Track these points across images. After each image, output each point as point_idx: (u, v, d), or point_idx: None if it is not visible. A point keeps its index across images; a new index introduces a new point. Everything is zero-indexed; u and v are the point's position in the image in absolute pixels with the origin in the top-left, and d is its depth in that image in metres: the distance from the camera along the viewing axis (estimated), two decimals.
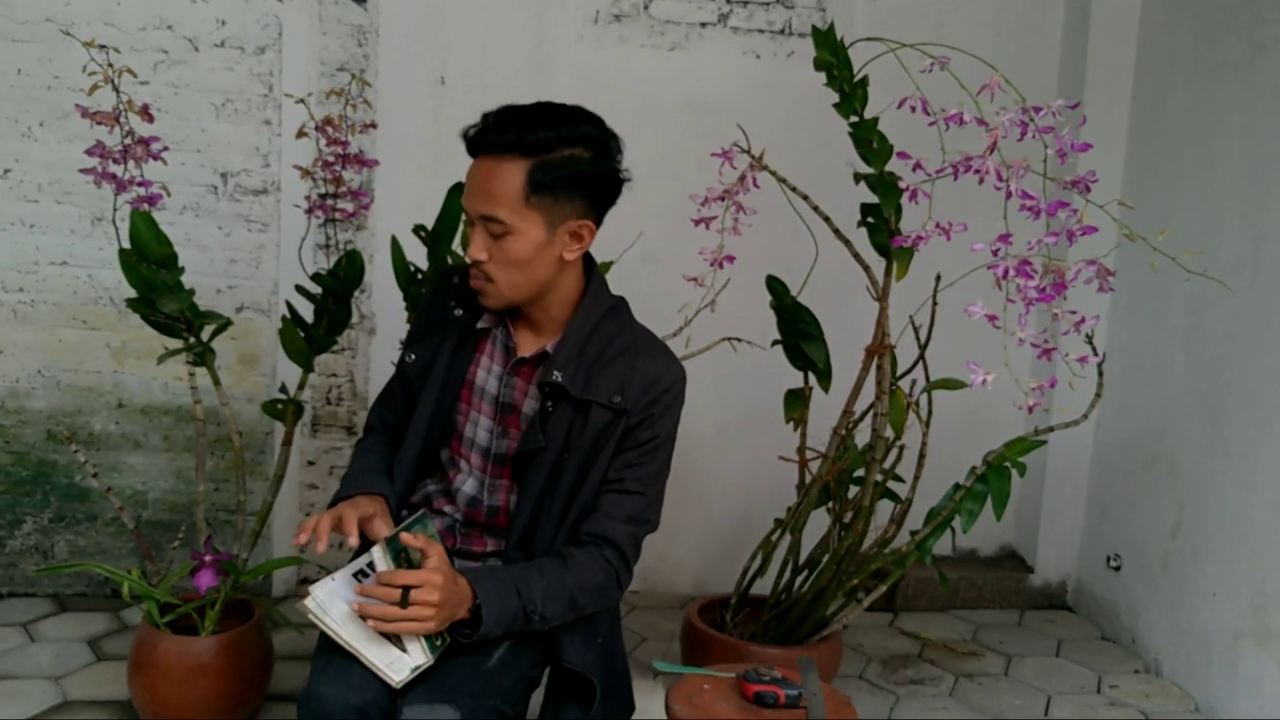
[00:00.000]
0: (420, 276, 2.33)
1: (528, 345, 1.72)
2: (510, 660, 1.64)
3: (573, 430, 1.67)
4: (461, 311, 1.75)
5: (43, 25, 2.72)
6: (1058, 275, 1.84)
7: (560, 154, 1.58)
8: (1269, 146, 2.53)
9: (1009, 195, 1.80)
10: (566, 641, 1.69)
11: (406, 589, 1.47)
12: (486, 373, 1.74)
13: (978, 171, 1.83)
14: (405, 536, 1.53)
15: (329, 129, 2.28)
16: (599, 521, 1.67)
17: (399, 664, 1.52)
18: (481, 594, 1.54)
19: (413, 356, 1.78)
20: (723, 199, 2.14)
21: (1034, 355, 1.91)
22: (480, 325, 1.75)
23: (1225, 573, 2.62)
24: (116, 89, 2.07)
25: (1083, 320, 1.89)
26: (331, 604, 1.53)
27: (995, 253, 1.81)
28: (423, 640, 1.54)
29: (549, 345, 1.70)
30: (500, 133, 1.58)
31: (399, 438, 1.80)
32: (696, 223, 2.16)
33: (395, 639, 1.54)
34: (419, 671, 1.53)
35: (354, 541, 1.57)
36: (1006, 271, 1.80)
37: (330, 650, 1.55)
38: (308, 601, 1.53)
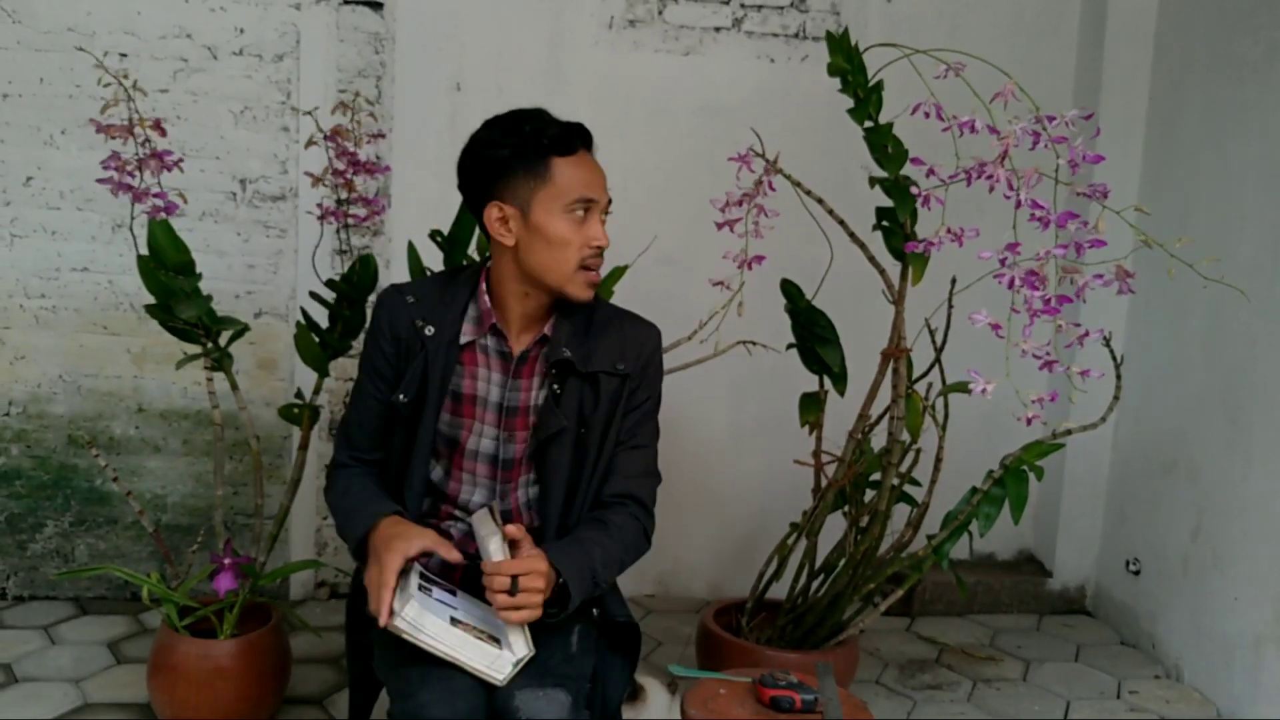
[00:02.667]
0: None
1: (522, 342, 1.74)
2: (586, 644, 1.69)
3: (584, 405, 1.71)
4: (433, 329, 1.71)
5: (64, 34, 2.74)
6: (1075, 276, 1.84)
7: None
8: None
9: (1019, 204, 1.80)
10: (607, 599, 1.75)
11: (514, 577, 1.50)
12: (486, 383, 1.73)
13: (989, 178, 1.83)
14: (509, 528, 1.56)
15: (338, 139, 2.30)
16: (619, 482, 1.74)
17: (499, 662, 1.53)
18: (565, 572, 1.57)
19: (403, 397, 1.71)
20: (741, 203, 2.14)
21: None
22: (464, 340, 1.72)
23: (1246, 576, 2.59)
24: (130, 97, 2.08)
25: (1087, 334, 1.87)
26: (422, 619, 1.52)
27: (1003, 261, 1.80)
28: (526, 630, 1.55)
29: (545, 329, 1.73)
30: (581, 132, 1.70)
31: (378, 472, 1.78)
32: (720, 226, 2.16)
33: (490, 638, 1.55)
34: (521, 665, 1.54)
35: (455, 556, 1.59)
36: (1012, 281, 1.80)
37: (423, 662, 1.53)
38: (398, 623, 1.50)
